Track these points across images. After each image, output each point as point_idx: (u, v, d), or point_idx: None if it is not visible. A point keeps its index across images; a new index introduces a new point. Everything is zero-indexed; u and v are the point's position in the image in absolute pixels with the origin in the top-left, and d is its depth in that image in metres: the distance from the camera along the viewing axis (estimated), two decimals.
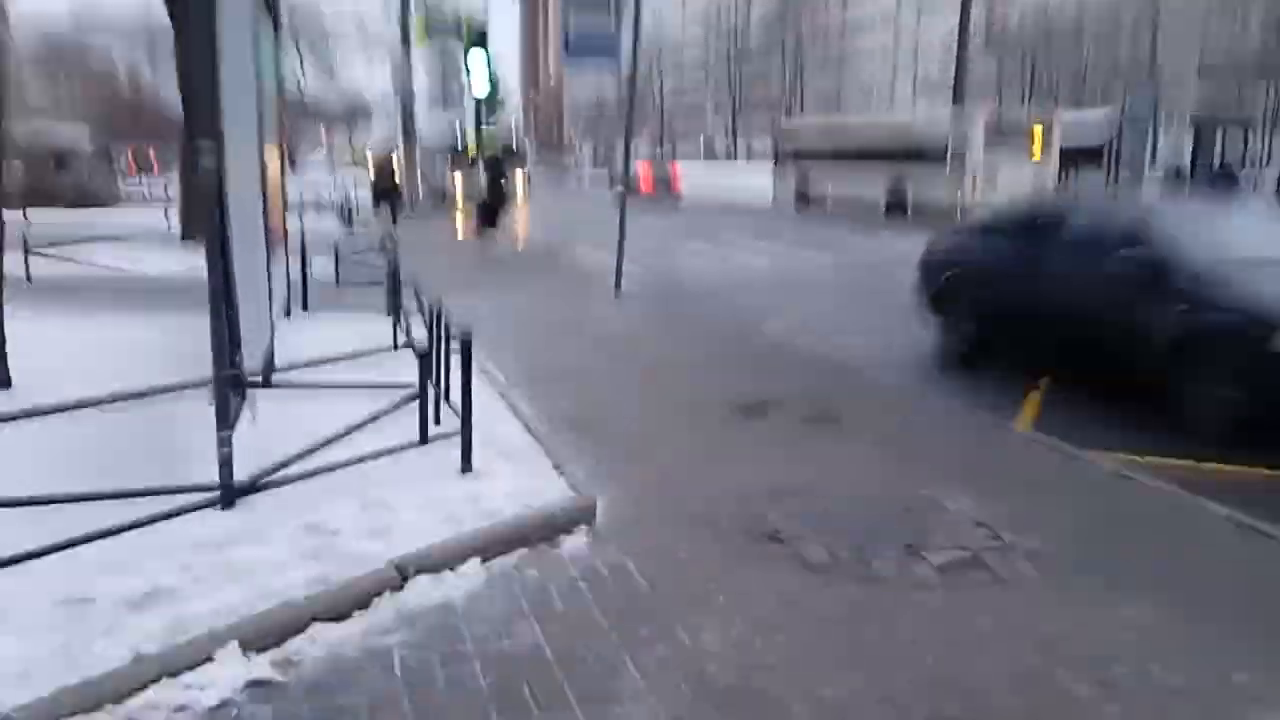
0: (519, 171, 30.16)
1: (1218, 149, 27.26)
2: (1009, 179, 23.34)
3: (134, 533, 3.56)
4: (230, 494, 3.98)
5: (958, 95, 29.66)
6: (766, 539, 4.22)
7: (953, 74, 31.13)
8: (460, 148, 27.74)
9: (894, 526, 4.38)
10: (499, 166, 20.63)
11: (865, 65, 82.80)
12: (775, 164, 33.40)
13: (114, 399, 3.64)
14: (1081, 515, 4.56)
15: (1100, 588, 3.79)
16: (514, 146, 31.70)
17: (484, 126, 26.18)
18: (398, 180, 24.88)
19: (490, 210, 19.49)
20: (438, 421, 5.19)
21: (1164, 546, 4.23)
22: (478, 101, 26.13)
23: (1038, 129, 24.89)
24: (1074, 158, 27.42)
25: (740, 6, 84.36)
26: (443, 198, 27.38)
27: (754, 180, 37.62)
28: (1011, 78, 59.17)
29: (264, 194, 6.54)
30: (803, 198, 30.52)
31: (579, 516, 4.33)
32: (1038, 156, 24.56)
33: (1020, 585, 3.82)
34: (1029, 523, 4.41)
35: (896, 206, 26.00)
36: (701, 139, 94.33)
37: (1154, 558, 4.10)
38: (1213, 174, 24.69)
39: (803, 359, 8.12)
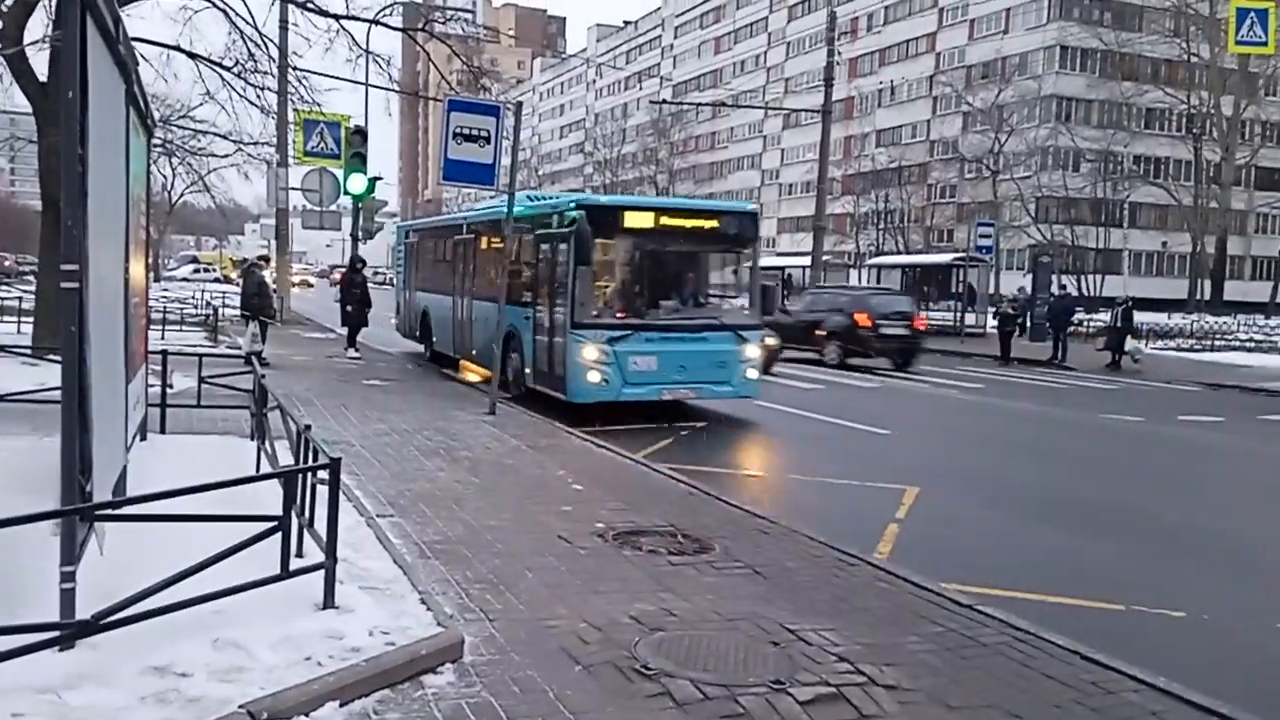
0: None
1: (1055, 286, 31.00)
2: None
3: None
4: (72, 633, 3.72)
5: (816, 232, 33.46)
6: (636, 674, 4.22)
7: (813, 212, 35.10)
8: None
9: (761, 661, 4.45)
10: (354, 284, 18.80)
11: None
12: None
13: None
14: (939, 648, 4.73)
15: None
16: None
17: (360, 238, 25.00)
18: (268, 294, 23.86)
19: (351, 328, 18.55)
20: (300, 553, 5.01)
21: (1017, 678, 4.42)
22: (355, 213, 25.21)
23: None
24: (924, 284, 35.01)
25: (615, 140, 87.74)
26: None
27: None
28: (867, 215, 63.30)
29: (126, 307, 6.33)
30: None
31: (445, 653, 4.23)
32: None
33: None
34: (890, 656, 4.56)
35: None
36: None
37: (1008, 690, 4.28)
38: (1050, 299, 28.28)
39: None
